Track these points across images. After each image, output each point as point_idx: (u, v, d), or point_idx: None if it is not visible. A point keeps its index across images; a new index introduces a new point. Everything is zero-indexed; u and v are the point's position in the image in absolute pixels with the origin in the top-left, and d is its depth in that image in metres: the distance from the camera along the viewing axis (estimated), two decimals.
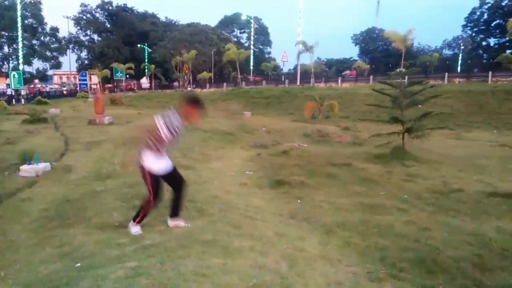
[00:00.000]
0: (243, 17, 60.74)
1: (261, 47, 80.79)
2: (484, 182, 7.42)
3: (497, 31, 56.48)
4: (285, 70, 66.48)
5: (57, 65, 64.22)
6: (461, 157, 10.63)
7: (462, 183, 7.34)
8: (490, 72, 31.17)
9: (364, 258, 3.90)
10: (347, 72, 50.57)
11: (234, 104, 26.41)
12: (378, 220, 5.05)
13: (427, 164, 9.32)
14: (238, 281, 2.87)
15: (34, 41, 58.78)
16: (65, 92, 52.00)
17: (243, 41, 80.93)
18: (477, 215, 5.37)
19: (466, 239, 4.33)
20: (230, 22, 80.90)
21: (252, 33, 60.18)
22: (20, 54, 41.27)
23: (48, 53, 61.12)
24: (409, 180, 7.71)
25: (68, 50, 65.58)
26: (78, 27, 69.14)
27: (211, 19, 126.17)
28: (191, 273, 2.92)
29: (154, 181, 4.07)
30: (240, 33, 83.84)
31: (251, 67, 55.89)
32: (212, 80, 55.81)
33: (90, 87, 54.25)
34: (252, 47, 59.62)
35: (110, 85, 59.04)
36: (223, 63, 58.87)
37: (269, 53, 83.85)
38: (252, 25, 58.55)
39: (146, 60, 62.14)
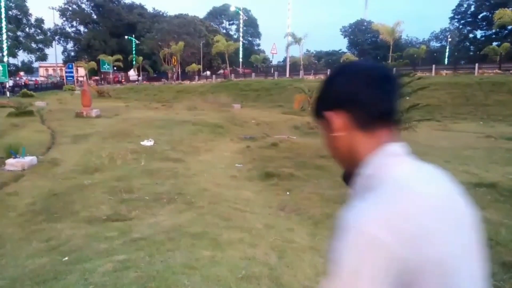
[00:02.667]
0: (232, 9, 60.29)
1: (250, 39, 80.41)
2: (470, 173, 7.53)
3: (484, 23, 57.04)
4: (274, 62, 66.35)
5: (43, 57, 63.03)
6: (448, 148, 10.78)
7: (449, 173, 7.44)
8: (476, 64, 31.50)
9: None
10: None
11: (223, 96, 26.28)
12: None
13: (414, 155, 9.42)
14: (227, 273, 2.87)
15: (18, 33, 57.55)
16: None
17: (232, 33, 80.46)
18: None
19: None
20: (219, 13, 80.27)
21: (241, 25, 59.78)
22: (5, 46, 40.47)
23: (34, 45, 59.95)
24: None
25: (54, 41, 64.39)
26: (64, 18, 67.89)
27: (200, 10, 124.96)
28: (180, 265, 2.92)
29: None
30: (229, 24, 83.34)
31: (240, 59, 55.61)
32: (201, 72, 55.45)
33: (77, 79, 53.42)
34: (241, 39, 59.29)
35: (97, 77, 58.26)
36: (212, 55, 58.48)
37: (258, 45, 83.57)
38: (241, 17, 58.14)
39: (134, 52, 61.38)
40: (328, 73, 0.99)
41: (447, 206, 0.84)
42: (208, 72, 51.13)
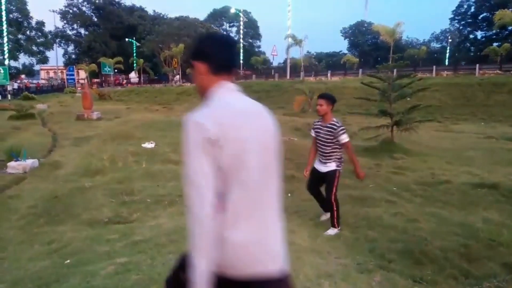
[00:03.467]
0: (232, 11, 60.37)
1: (250, 40, 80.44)
2: (471, 174, 7.52)
3: (484, 24, 56.97)
4: (274, 64, 66.40)
5: (44, 60, 63.11)
6: (449, 149, 10.76)
7: (450, 174, 7.43)
8: (477, 65, 31.46)
9: (353, 250, 3.93)
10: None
11: None
12: (367, 212, 5.09)
13: (415, 156, 9.42)
14: None
15: (19, 36, 57.63)
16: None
17: (232, 34, 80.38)
18: (464, 206, 5.45)
19: (453, 230, 4.40)
20: (219, 15, 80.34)
21: (241, 27, 59.87)
22: (6, 49, 40.49)
23: (35, 48, 59.99)
24: (398, 172, 7.79)
25: (54, 44, 64.50)
26: (65, 21, 67.95)
27: (200, 13, 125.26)
28: None
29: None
30: (230, 26, 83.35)
31: (241, 61, 55.66)
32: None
33: (78, 82, 53.46)
34: (241, 41, 59.35)
35: (97, 80, 58.27)
36: None
37: (258, 47, 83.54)
38: (241, 19, 58.23)
39: (135, 54, 61.46)
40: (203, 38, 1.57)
41: (254, 119, 1.46)
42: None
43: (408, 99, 12.91)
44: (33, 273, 3.18)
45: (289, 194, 6.13)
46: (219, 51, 1.50)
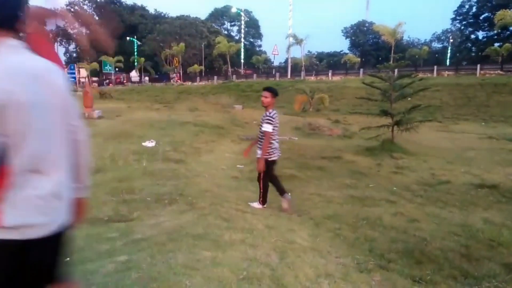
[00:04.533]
0: (233, 10, 60.44)
1: (251, 40, 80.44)
2: (472, 174, 7.52)
3: (486, 24, 56.91)
4: (275, 63, 66.42)
5: None
6: (449, 149, 10.76)
7: (450, 175, 7.43)
8: (478, 65, 31.46)
9: (353, 249, 3.94)
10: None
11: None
12: (368, 212, 5.09)
13: (416, 156, 9.42)
14: (229, 274, 2.87)
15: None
16: None
17: (233, 34, 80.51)
18: (464, 207, 5.45)
19: (453, 230, 4.40)
20: (220, 14, 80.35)
21: (242, 26, 59.87)
22: None
23: None
24: (398, 172, 7.79)
25: (55, 43, 64.65)
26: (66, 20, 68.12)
27: (201, 12, 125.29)
28: (181, 266, 2.92)
29: None
30: (231, 26, 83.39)
31: (242, 60, 55.67)
32: (203, 73, 55.52)
33: (79, 80, 53.50)
34: (242, 40, 59.34)
35: (97, 78, 58.30)
36: (213, 56, 58.57)
37: (259, 46, 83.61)
38: (242, 18, 58.24)
39: (136, 53, 61.50)
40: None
41: (41, 80, 1.40)
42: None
43: (409, 99, 12.91)
44: None
45: (289, 194, 6.13)
46: None
